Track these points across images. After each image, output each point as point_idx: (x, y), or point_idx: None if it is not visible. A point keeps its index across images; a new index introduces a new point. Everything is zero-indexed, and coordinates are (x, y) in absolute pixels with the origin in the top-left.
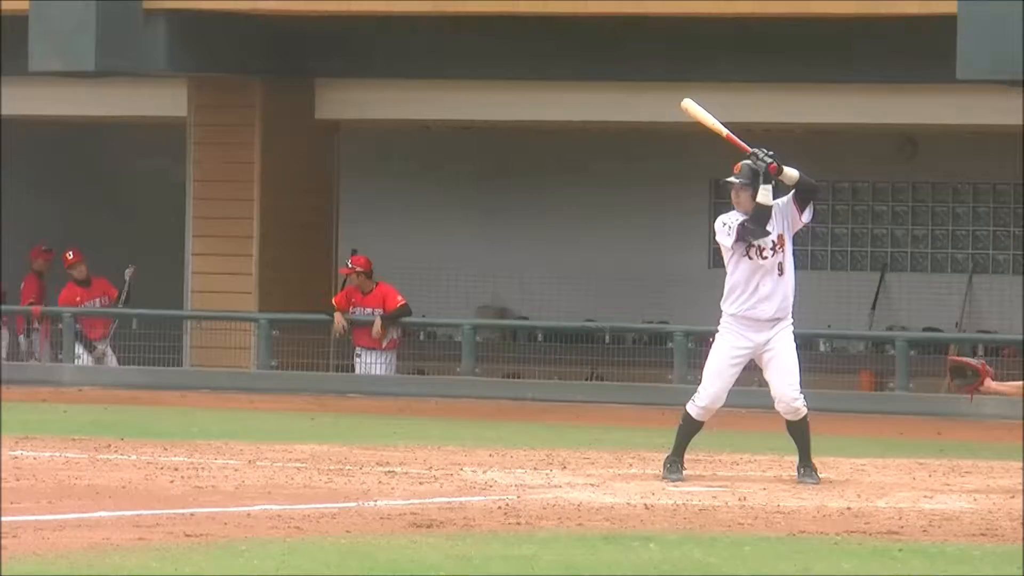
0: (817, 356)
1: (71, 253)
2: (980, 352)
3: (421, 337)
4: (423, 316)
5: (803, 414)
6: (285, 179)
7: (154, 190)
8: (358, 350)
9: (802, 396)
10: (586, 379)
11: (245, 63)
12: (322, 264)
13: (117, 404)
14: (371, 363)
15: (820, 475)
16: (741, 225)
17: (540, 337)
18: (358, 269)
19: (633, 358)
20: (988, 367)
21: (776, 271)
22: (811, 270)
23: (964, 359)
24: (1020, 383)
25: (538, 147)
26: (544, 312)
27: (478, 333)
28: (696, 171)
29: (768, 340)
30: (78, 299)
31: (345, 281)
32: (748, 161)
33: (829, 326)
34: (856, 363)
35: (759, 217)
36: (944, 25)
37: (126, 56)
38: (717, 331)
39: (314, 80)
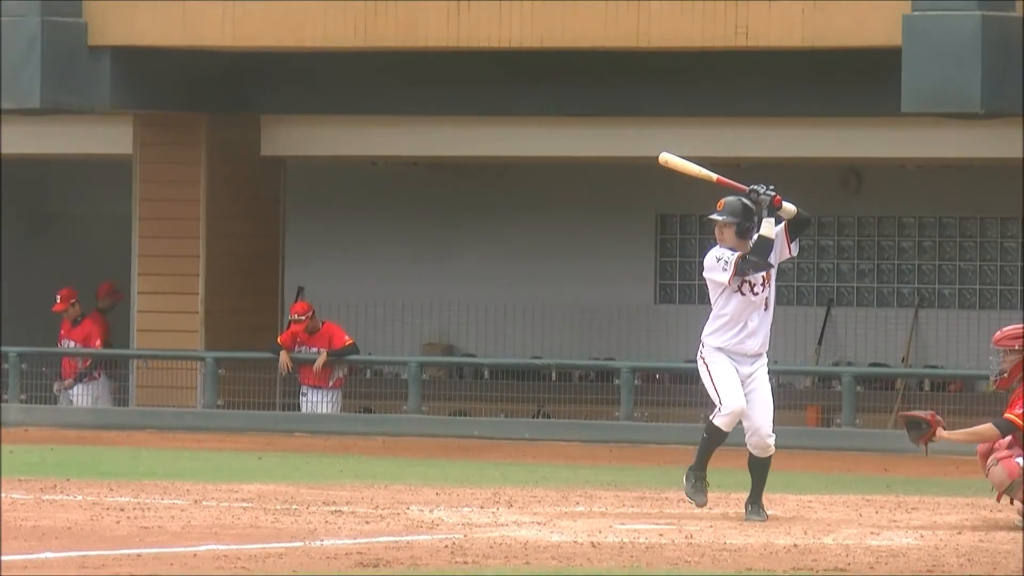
0: None
1: (58, 297)
2: (927, 386)
3: (367, 375)
4: (369, 353)
5: (772, 452)
6: (231, 216)
7: (100, 228)
8: (304, 389)
9: (775, 434)
10: (533, 416)
11: (191, 99)
12: (269, 301)
13: (63, 444)
14: (317, 401)
15: (767, 512)
16: (742, 258)
17: (486, 374)
18: (297, 316)
19: (580, 395)
20: (938, 417)
21: (763, 306)
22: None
23: (915, 412)
24: (967, 430)
25: (484, 183)
26: (491, 349)
27: (424, 370)
28: (642, 207)
29: (751, 373)
30: (61, 333)
31: (290, 320)
32: (745, 199)
33: (775, 361)
34: (803, 398)
35: (762, 250)
36: (889, 58)
37: (72, 93)
38: (702, 358)
39: (260, 116)
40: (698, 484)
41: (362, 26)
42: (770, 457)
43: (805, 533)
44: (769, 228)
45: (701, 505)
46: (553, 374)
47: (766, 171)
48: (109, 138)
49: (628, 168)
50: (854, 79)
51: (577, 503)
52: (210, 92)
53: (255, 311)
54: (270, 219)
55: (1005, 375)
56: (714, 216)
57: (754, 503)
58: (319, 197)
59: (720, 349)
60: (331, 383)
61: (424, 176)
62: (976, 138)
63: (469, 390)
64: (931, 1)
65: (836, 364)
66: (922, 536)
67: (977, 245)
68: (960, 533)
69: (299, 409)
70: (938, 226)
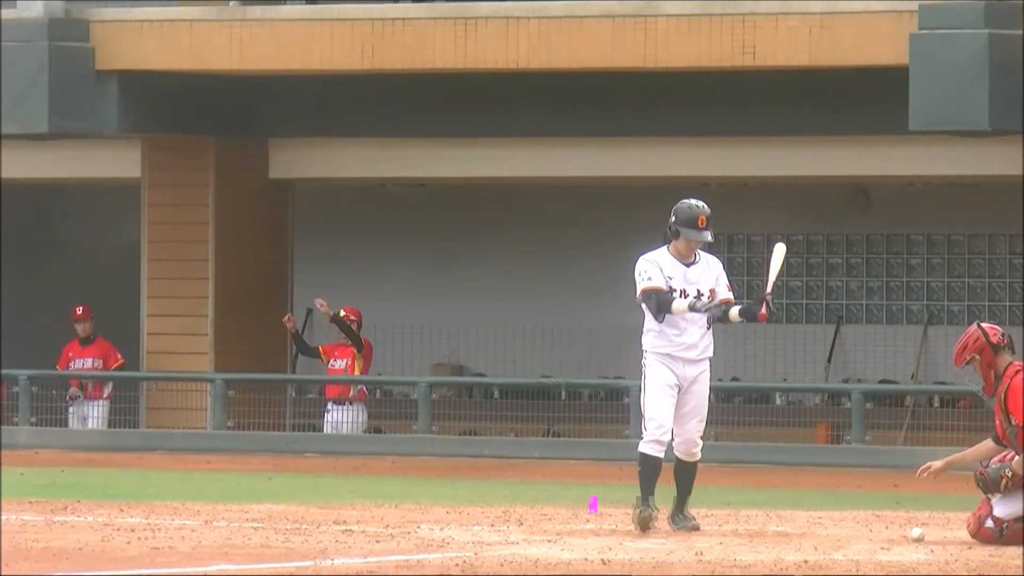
0: (773, 409)
1: (80, 308)
2: (936, 403)
3: (377, 395)
4: (379, 374)
5: (698, 458)
6: (239, 239)
7: (108, 251)
8: (329, 405)
9: (701, 442)
10: (542, 435)
11: (198, 123)
12: (277, 323)
13: (74, 466)
14: (340, 421)
15: (776, 528)
16: (657, 291)
17: (496, 394)
18: (352, 318)
19: (589, 414)
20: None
21: (705, 322)
22: (766, 323)
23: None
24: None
25: (493, 203)
26: (500, 368)
27: (434, 391)
28: (651, 226)
29: (695, 377)
30: (71, 354)
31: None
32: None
33: (785, 379)
34: (812, 416)
35: (661, 306)
36: (896, 77)
37: (79, 117)
38: (643, 368)
39: (267, 139)
40: (644, 512)
41: (369, 49)
42: (696, 463)
43: (815, 549)
44: (681, 307)
45: (648, 516)
46: (563, 393)
47: (773, 190)
48: (117, 162)
49: (637, 188)
50: (861, 98)
51: (587, 521)
52: (218, 116)
53: (264, 333)
54: (279, 241)
55: (984, 385)
56: (708, 237)
57: (680, 511)
58: (327, 219)
59: (660, 356)
60: (353, 395)
61: (432, 197)
62: (983, 156)
63: (479, 410)
64: (938, 20)
65: (845, 381)
66: (932, 551)
67: (986, 262)
68: (970, 548)
69: (313, 429)
70: (947, 243)
